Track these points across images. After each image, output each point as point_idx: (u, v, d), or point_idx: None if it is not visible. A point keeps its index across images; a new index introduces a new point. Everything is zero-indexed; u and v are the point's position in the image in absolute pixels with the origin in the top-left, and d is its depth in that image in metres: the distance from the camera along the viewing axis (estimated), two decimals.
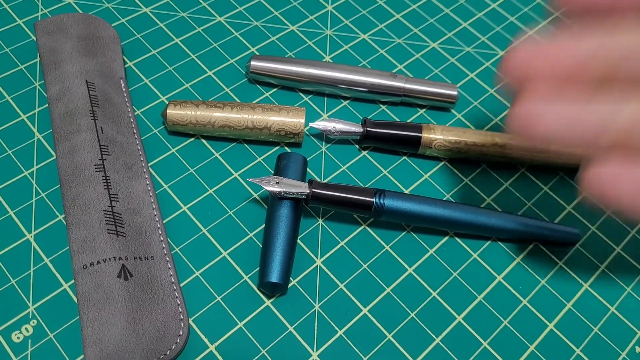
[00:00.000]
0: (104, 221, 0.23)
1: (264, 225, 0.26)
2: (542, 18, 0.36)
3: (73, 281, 0.23)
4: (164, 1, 0.33)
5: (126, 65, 0.30)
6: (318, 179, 0.27)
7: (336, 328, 0.24)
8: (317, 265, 0.25)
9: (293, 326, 0.23)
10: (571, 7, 0.21)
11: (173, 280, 0.23)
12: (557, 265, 0.26)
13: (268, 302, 0.24)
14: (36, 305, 0.23)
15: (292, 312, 0.24)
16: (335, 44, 0.33)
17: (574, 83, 0.20)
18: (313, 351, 0.23)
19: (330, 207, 0.25)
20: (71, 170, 0.25)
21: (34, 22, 0.31)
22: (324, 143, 0.29)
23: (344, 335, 0.23)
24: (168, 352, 0.21)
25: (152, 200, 0.25)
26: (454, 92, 0.30)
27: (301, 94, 0.31)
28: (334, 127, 0.27)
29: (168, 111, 0.27)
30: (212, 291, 0.24)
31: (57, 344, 0.22)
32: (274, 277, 0.23)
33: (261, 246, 0.25)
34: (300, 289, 0.24)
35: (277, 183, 0.24)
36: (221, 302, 0.24)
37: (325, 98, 0.31)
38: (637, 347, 0.24)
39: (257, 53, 0.32)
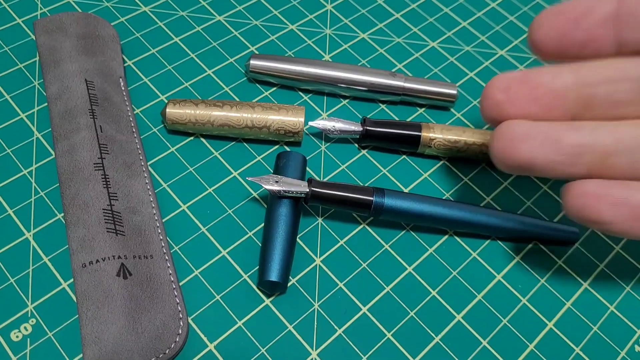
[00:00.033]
0: (103, 220, 0.23)
1: (263, 224, 0.26)
2: None
3: (72, 280, 0.23)
4: (164, 0, 0.33)
5: (125, 64, 0.30)
6: (317, 178, 0.27)
7: (335, 327, 0.24)
8: (316, 264, 0.25)
9: (292, 325, 0.23)
10: (547, 52, 0.22)
11: (172, 279, 0.23)
12: (556, 265, 0.26)
13: (267, 301, 0.24)
14: (35, 304, 0.23)
15: (291, 311, 0.24)
16: (335, 43, 0.33)
17: (553, 112, 0.21)
18: (312, 350, 0.23)
19: (330, 206, 0.24)
20: (70, 169, 0.25)
21: (33, 20, 0.31)
22: (323, 142, 0.29)
23: (343, 334, 0.23)
24: (167, 351, 0.21)
25: (152, 199, 0.25)
26: (454, 91, 0.30)
27: (300, 93, 0.31)
28: (333, 126, 0.27)
29: (167, 110, 0.27)
30: (212, 290, 0.24)
31: (56, 343, 0.22)
32: (274, 275, 0.23)
33: (260, 245, 0.25)
34: (300, 287, 0.24)
35: (277, 182, 0.24)
36: (220, 301, 0.24)
37: (325, 97, 0.31)
38: (636, 346, 0.24)
39: (257, 52, 0.32)
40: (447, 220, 0.25)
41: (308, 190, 0.24)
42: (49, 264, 0.24)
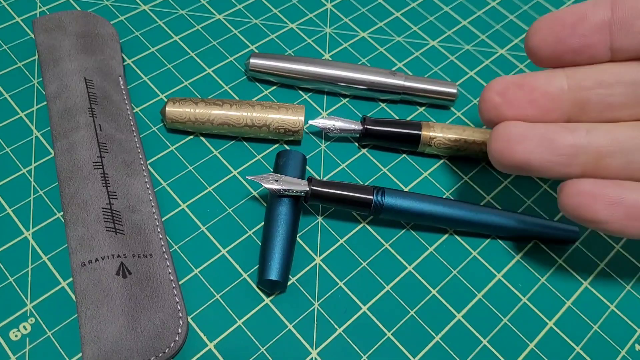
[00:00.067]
0: (102, 219, 0.23)
1: (263, 223, 0.26)
2: (540, 16, 0.36)
3: (71, 279, 0.23)
4: None
5: (125, 63, 0.30)
6: (317, 177, 0.27)
7: (335, 326, 0.23)
8: (316, 263, 0.25)
9: (292, 324, 0.23)
10: (543, 58, 0.22)
11: (172, 278, 0.23)
12: (556, 263, 0.26)
13: (267, 300, 0.24)
14: (34, 303, 0.23)
15: (291, 310, 0.24)
16: (335, 42, 0.33)
17: (549, 114, 0.22)
18: (312, 349, 0.23)
19: (330, 205, 0.24)
20: (70, 167, 0.25)
21: (32, 19, 0.31)
22: (323, 141, 0.29)
23: (343, 333, 0.23)
24: (167, 350, 0.21)
25: (151, 198, 0.25)
26: (454, 90, 0.30)
27: (300, 92, 0.30)
28: (333, 125, 0.27)
29: (167, 109, 0.27)
30: (211, 289, 0.24)
31: (56, 342, 0.22)
32: (274, 274, 0.23)
33: (260, 244, 0.25)
34: (300, 286, 0.24)
35: (277, 181, 0.24)
36: (220, 300, 0.24)
37: (325, 96, 0.31)
38: (636, 345, 0.24)
39: (257, 51, 0.32)
40: (447, 219, 0.25)
41: (308, 189, 0.24)
42: (48, 263, 0.24)
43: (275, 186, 0.24)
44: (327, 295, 0.24)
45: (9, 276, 0.23)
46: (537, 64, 0.23)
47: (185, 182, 0.27)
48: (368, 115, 0.29)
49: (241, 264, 0.25)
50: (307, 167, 0.28)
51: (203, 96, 0.30)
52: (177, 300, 0.23)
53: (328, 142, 0.29)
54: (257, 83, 0.31)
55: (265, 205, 0.26)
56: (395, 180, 0.28)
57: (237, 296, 0.24)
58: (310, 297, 0.24)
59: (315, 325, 0.23)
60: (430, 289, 0.25)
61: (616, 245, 0.27)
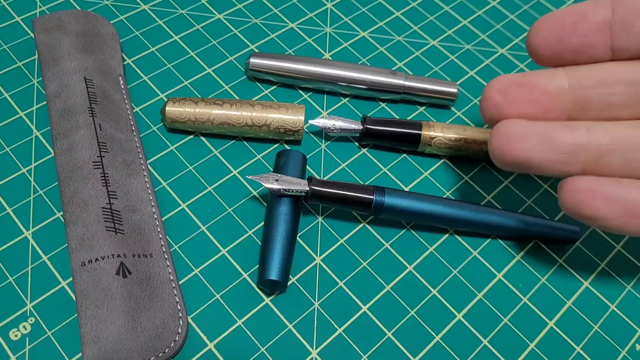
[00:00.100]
0: (102, 218, 0.23)
1: (263, 223, 0.26)
2: (541, 16, 0.36)
3: (71, 279, 0.23)
4: None
5: (125, 63, 0.30)
6: (317, 177, 0.27)
7: (336, 326, 0.23)
8: (316, 263, 0.25)
9: (292, 324, 0.23)
10: (544, 57, 0.22)
11: (172, 277, 0.23)
12: (557, 263, 0.26)
13: (267, 300, 0.24)
14: (34, 303, 0.23)
15: (291, 310, 0.24)
16: (335, 42, 0.33)
17: (549, 113, 0.22)
18: (312, 349, 0.23)
19: (330, 205, 0.24)
20: (69, 167, 0.24)
21: (32, 18, 0.31)
22: (323, 140, 0.29)
23: (343, 333, 0.23)
24: (167, 350, 0.21)
25: (151, 198, 0.25)
26: (454, 90, 0.30)
27: (301, 92, 0.30)
28: (333, 125, 0.27)
29: (167, 108, 0.27)
30: (211, 289, 0.24)
31: (55, 342, 0.22)
32: (274, 274, 0.23)
33: (260, 244, 0.25)
34: (300, 286, 0.24)
35: (277, 180, 0.24)
36: (220, 299, 0.24)
37: (325, 95, 0.31)
38: (637, 345, 0.24)
39: (257, 50, 0.32)
40: (447, 219, 0.25)
41: (308, 188, 0.24)
42: (48, 263, 0.24)
43: (275, 186, 0.24)
44: (327, 295, 0.24)
45: (8, 276, 0.23)
46: (538, 63, 0.23)
47: (185, 181, 0.27)
48: (368, 115, 0.29)
49: (241, 264, 0.25)
50: (307, 167, 0.28)
51: (203, 96, 0.30)
52: (177, 300, 0.22)
53: (328, 142, 0.29)
54: (257, 83, 0.30)
55: (266, 205, 0.26)
56: (395, 180, 0.28)
57: (237, 296, 0.24)
58: (310, 297, 0.24)
59: (315, 325, 0.23)
60: (431, 288, 0.25)
61: (617, 245, 0.27)
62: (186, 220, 0.25)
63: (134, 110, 0.29)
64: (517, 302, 0.25)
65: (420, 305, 0.24)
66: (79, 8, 0.32)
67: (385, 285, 0.25)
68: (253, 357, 0.22)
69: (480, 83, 0.32)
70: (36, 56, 0.30)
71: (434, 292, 0.25)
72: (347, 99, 0.31)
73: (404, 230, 0.26)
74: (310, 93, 0.30)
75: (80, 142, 0.25)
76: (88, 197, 0.24)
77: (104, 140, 0.25)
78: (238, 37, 0.32)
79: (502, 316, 0.24)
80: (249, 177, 0.24)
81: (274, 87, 0.30)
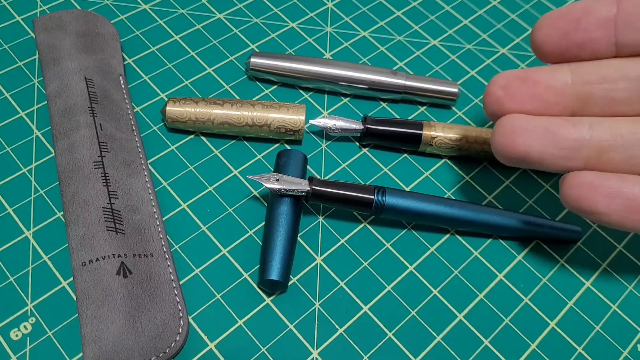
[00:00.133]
0: (103, 218, 0.23)
1: (263, 223, 0.26)
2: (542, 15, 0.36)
3: (72, 279, 0.23)
4: None
5: (125, 62, 0.30)
6: (318, 177, 0.27)
7: (336, 326, 0.23)
8: (317, 263, 0.25)
9: (293, 324, 0.23)
10: (548, 53, 0.22)
11: (172, 277, 0.23)
12: (558, 263, 0.26)
13: (268, 300, 0.24)
14: (35, 302, 0.23)
15: (292, 310, 0.24)
16: (336, 41, 0.33)
17: (552, 108, 0.22)
18: (313, 349, 0.23)
19: (331, 205, 0.24)
20: (70, 167, 0.24)
21: (32, 18, 0.31)
22: (324, 140, 0.29)
23: (344, 334, 0.23)
24: (167, 350, 0.21)
25: (152, 198, 0.25)
26: (455, 90, 0.30)
27: (301, 91, 0.30)
28: (334, 125, 0.27)
29: (167, 108, 0.27)
30: (212, 289, 0.24)
31: (56, 342, 0.22)
32: (274, 274, 0.23)
33: (261, 244, 0.25)
34: (301, 286, 0.24)
35: (277, 180, 0.24)
36: (221, 299, 0.24)
37: (326, 95, 0.31)
38: (639, 346, 0.24)
39: (257, 50, 0.32)
40: (448, 219, 0.25)
41: (309, 188, 0.24)
42: (49, 263, 0.24)
43: (276, 186, 0.24)
44: (328, 295, 0.24)
45: (9, 276, 0.23)
46: (542, 59, 0.23)
47: (186, 181, 0.27)
48: (369, 115, 0.29)
49: (242, 264, 0.25)
50: (308, 167, 0.28)
51: (204, 95, 0.29)
52: (178, 300, 0.22)
53: (329, 142, 0.29)
54: (257, 82, 0.30)
55: (266, 204, 0.26)
56: (396, 180, 0.28)
57: (238, 296, 0.24)
58: (311, 297, 0.24)
59: (316, 325, 0.23)
60: (432, 289, 0.25)
61: (618, 245, 0.27)
62: (187, 220, 0.25)
63: (135, 110, 0.29)
64: (518, 302, 0.25)
65: (421, 305, 0.24)
66: (79, 8, 0.32)
67: (386, 285, 0.25)
68: (254, 357, 0.22)
69: (481, 83, 0.32)
70: (37, 56, 0.30)
71: (435, 292, 0.25)
72: (348, 98, 0.31)
73: (405, 231, 0.26)
74: (311, 93, 0.30)
75: (80, 142, 0.25)
76: (88, 196, 0.24)
77: (105, 140, 0.25)
78: (238, 36, 0.32)
79: (503, 316, 0.24)
80: (250, 177, 0.24)
81: (275, 86, 0.30)
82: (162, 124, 0.28)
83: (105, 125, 0.26)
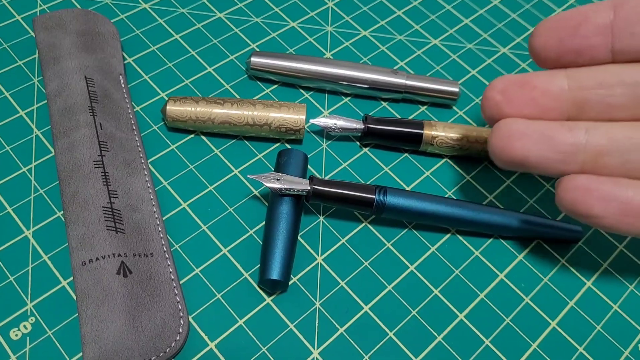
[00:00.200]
0: (103, 218, 0.23)
1: (264, 222, 0.26)
2: (543, 15, 0.36)
3: (72, 278, 0.23)
4: None
5: (125, 61, 0.30)
6: (319, 176, 0.27)
7: (337, 326, 0.23)
8: (317, 263, 0.25)
9: (294, 324, 0.23)
10: (546, 59, 0.23)
11: (172, 277, 0.23)
12: (559, 263, 0.26)
13: (268, 300, 0.24)
14: (34, 302, 0.23)
15: (292, 310, 0.24)
16: (336, 41, 0.33)
17: (549, 113, 0.22)
18: (314, 349, 0.23)
19: (331, 204, 0.24)
20: (70, 166, 0.24)
21: (32, 17, 0.31)
22: (324, 140, 0.29)
23: (344, 333, 0.23)
24: (167, 350, 0.21)
25: (152, 197, 0.25)
26: (456, 89, 0.30)
27: (302, 91, 0.30)
28: (335, 124, 0.27)
29: (168, 107, 0.27)
30: (212, 288, 0.24)
31: (56, 342, 0.22)
32: (275, 274, 0.23)
33: (261, 243, 0.25)
34: (301, 286, 0.24)
35: (278, 179, 0.24)
36: (221, 299, 0.23)
37: (326, 95, 0.30)
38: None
39: (258, 49, 0.32)
40: (449, 219, 0.25)
41: (309, 188, 0.24)
42: (49, 262, 0.24)
43: (276, 185, 0.24)
44: (328, 295, 0.24)
45: (9, 275, 0.23)
46: (540, 65, 0.23)
47: (186, 181, 0.27)
48: (370, 114, 0.29)
49: (242, 264, 0.24)
50: (309, 166, 0.28)
51: (204, 95, 0.29)
52: (178, 299, 0.22)
53: (329, 141, 0.29)
54: (258, 82, 0.30)
55: (267, 204, 0.26)
56: (397, 179, 0.28)
57: (238, 296, 0.24)
58: (311, 297, 0.24)
59: (316, 325, 0.23)
60: (432, 288, 0.25)
61: (619, 245, 0.27)
62: (187, 220, 0.25)
63: (135, 109, 0.28)
64: (519, 302, 0.25)
65: (421, 305, 0.24)
66: (79, 7, 0.32)
67: (387, 285, 0.25)
68: (254, 357, 0.22)
69: (482, 82, 0.32)
70: (36, 55, 0.30)
71: (436, 292, 0.25)
72: (349, 98, 0.30)
73: (406, 230, 0.26)
74: (312, 92, 0.30)
75: (80, 141, 0.25)
76: (88, 196, 0.24)
77: (105, 139, 0.25)
78: (239, 36, 0.32)
79: (504, 316, 0.24)
80: (250, 177, 0.24)
81: (275, 86, 0.30)
82: (163, 123, 0.28)
83: (106, 125, 0.26)
